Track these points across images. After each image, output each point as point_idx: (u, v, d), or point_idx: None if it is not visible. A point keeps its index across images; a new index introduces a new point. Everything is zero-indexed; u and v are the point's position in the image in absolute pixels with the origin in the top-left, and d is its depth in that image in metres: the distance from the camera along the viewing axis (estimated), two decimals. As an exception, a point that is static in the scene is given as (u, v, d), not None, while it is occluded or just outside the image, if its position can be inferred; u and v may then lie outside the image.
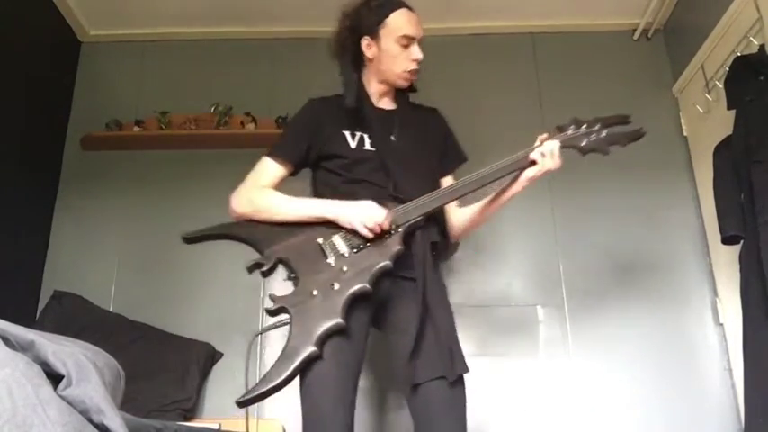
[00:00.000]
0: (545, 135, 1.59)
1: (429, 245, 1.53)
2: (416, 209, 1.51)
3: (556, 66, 2.80)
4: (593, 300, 2.45)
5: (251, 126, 2.64)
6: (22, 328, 0.85)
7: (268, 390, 1.32)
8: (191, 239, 1.60)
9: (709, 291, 2.44)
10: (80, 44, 2.90)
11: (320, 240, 1.49)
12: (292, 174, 1.68)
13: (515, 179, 1.59)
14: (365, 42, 1.69)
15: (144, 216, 2.63)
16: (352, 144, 1.62)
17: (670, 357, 2.35)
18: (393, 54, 1.65)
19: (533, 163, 1.55)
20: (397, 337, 1.49)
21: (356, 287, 1.40)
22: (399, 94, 1.75)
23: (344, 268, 1.43)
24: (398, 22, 1.65)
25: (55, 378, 0.81)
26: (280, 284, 2.52)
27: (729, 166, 2.00)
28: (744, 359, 1.87)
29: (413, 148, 1.64)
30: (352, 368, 1.42)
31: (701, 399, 2.30)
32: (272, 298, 1.43)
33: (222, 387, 2.36)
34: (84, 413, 0.80)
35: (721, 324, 2.37)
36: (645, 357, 2.35)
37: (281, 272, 2.50)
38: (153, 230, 2.60)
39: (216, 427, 2.05)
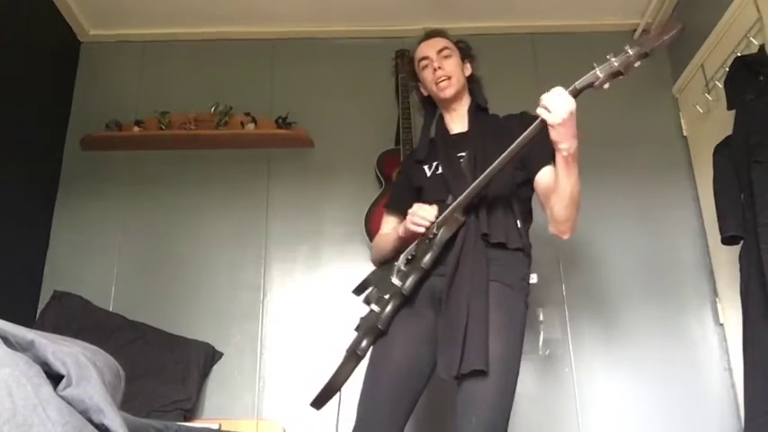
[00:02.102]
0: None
1: (476, 237, 1.54)
2: (451, 209, 1.55)
3: (556, 66, 2.79)
4: (593, 300, 2.45)
5: (251, 126, 2.64)
6: (22, 328, 0.85)
7: (327, 389, 1.57)
8: (357, 291, 1.74)
9: (709, 291, 2.44)
10: (80, 44, 2.90)
11: (394, 262, 1.65)
12: None
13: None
14: (420, 87, 1.87)
15: (144, 216, 2.63)
16: (428, 173, 1.77)
17: (670, 357, 2.35)
18: (424, 79, 1.81)
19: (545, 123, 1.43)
20: None
21: (396, 298, 1.57)
22: (473, 113, 1.80)
23: (395, 280, 1.59)
24: (416, 56, 1.84)
25: (55, 378, 0.81)
26: (280, 287, 2.54)
27: (729, 166, 1.99)
28: (744, 359, 1.87)
29: (484, 161, 1.62)
30: (409, 373, 1.54)
31: (701, 399, 2.30)
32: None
33: (222, 387, 2.37)
34: (84, 413, 0.79)
35: (721, 324, 2.38)
36: (645, 357, 2.35)
37: (276, 273, 2.53)
38: (153, 230, 2.61)
39: (216, 427, 2.06)
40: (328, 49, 2.87)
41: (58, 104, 2.76)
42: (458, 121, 1.80)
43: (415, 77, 1.88)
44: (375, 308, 1.59)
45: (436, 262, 1.56)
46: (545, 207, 1.62)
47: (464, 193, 1.54)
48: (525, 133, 1.47)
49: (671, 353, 2.36)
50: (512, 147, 1.49)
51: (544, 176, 1.61)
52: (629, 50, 1.41)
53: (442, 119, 1.84)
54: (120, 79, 2.87)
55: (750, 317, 1.85)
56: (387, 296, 1.58)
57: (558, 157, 1.45)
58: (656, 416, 2.28)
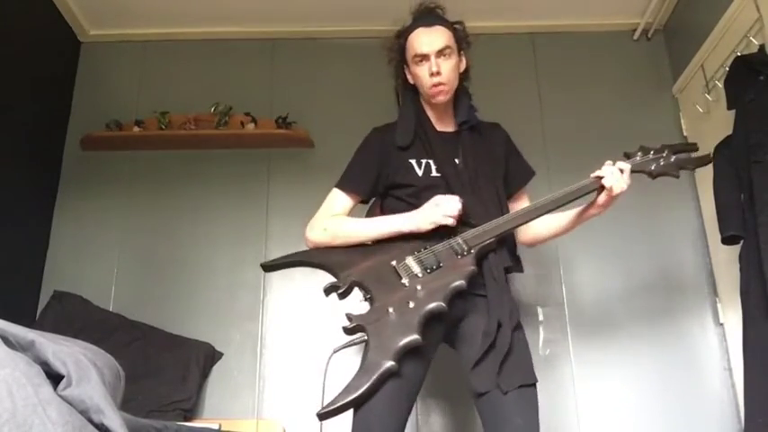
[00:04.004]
0: (610, 162, 1.63)
1: (503, 269, 1.57)
2: (487, 232, 1.54)
3: (556, 66, 2.80)
4: (593, 300, 2.45)
5: (251, 126, 2.64)
6: (22, 328, 0.85)
7: (349, 402, 1.33)
8: (269, 267, 1.66)
9: (709, 291, 2.44)
10: (80, 44, 2.90)
11: (394, 263, 1.51)
12: (363, 202, 1.73)
13: (593, 204, 1.64)
14: (406, 71, 1.75)
15: (144, 216, 2.63)
16: (419, 172, 1.65)
17: (670, 357, 2.35)
18: (417, 74, 1.69)
19: (602, 188, 1.60)
20: (466, 349, 1.54)
21: (432, 305, 1.42)
22: (460, 113, 1.74)
23: (418, 287, 1.45)
24: (411, 44, 1.69)
25: (55, 378, 0.81)
26: (280, 287, 2.54)
27: (729, 166, 1.99)
28: (744, 359, 1.87)
29: (477, 171, 1.65)
30: (413, 383, 1.44)
31: (701, 399, 2.30)
32: (349, 317, 1.44)
33: (222, 387, 2.37)
34: (84, 413, 0.80)
35: (721, 324, 2.38)
36: (645, 357, 2.36)
37: (276, 274, 2.52)
38: (153, 230, 2.61)
39: (216, 427, 2.06)
40: (328, 49, 2.87)
41: (58, 104, 2.76)
42: (442, 118, 1.74)
43: (402, 58, 1.74)
44: (392, 311, 1.43)
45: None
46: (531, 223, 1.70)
47: (506, 224, 1.57)
48: (580, 187, 1.61)
49: (671, 353, 2.36)
50: (563, 195, 1.60)
51: (523, 200, 1.78)
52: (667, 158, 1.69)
53: (422, 109, 1.75)
54: (121, 79, 2.87)
55: (750, 317, 1.85)
56: (411, 304, 1.43)
57: (586, 214, 1.66)
58: (656, 416, 2.28)
